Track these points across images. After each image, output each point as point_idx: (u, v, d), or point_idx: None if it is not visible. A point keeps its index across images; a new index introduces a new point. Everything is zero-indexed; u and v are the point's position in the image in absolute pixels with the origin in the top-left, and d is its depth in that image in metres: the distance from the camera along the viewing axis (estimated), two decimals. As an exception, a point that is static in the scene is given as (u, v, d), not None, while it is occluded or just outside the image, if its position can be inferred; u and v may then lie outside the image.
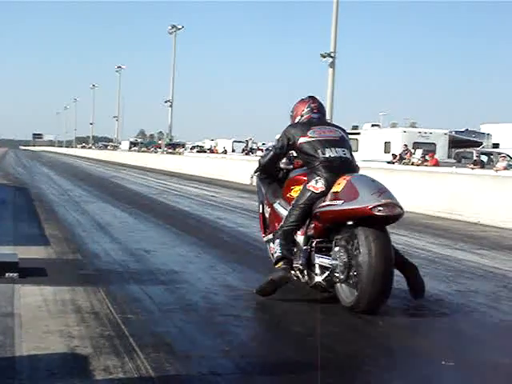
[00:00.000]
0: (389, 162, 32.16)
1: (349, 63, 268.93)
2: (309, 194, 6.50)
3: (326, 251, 6.33)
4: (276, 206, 7.31)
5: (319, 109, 7.19)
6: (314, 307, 6.26)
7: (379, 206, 5.91)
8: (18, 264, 7.06)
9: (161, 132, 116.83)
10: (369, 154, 35.64)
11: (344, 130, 7.21)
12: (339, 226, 6.24)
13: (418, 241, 11.83)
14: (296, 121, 7.14)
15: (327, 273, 6.22)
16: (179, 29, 73.82)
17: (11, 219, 12.27)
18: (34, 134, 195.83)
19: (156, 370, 4.32)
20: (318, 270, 6.34)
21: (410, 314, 6.40)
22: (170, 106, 74.16)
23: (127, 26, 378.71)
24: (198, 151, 67.11)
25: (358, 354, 5.03)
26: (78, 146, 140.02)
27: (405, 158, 33.29)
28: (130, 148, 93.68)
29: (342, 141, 6.92)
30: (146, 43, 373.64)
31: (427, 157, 32.04)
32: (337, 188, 6.29)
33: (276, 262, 6.46)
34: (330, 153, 6.64)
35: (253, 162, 33.36)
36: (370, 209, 5.90)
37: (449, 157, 37.73)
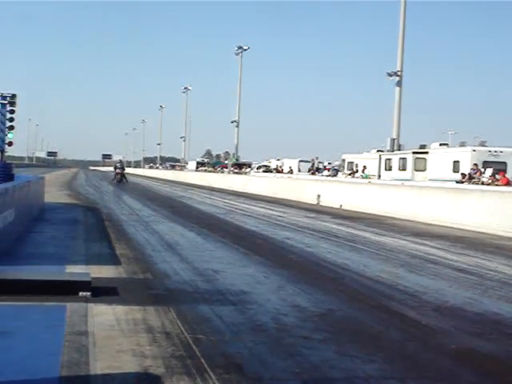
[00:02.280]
0: (458, 182, 31.57)
1: (415, 80, 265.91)
2: None
3: None
4: None
5: None
6: (386, 329, 6.18)
7: None
8: (91, 283, 7.20)
9: (227, 152, 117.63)
10: (437, 174, 35.12)
11: None
12: None
13: (490, 262, 11.54)
14: None
15: None
16: (245, 50, 74.57)
17: (83, 239, 12.51)
18: (103, 155, 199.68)
19: (228, 392, 4.33)
20: None
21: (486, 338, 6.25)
22: (237, 125, 74.81)
23: (193, 47, 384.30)
24: (263, 171, 67.23)
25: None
26: (146, 166, 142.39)
27: (474, 178, 32.65)
28: (197, 168, 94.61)
29: None
30: (212, 64, 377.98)
31: (498, 176, 31.34)
32: None
33: None
34: None
35: (319, 182, 33.38)
36: None
37: (521, 176, 36.86)
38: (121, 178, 47.89)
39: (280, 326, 6.21)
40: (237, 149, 76.55)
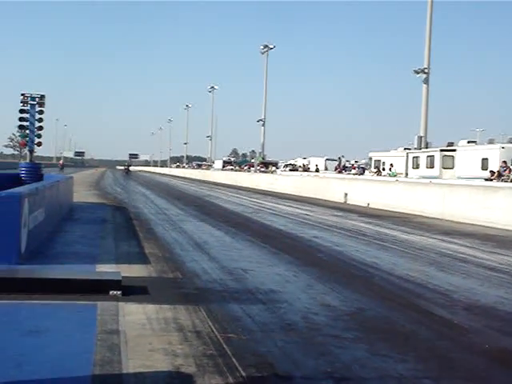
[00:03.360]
0: (486, 179, 31.31)
1: (443, 77, 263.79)
2: None
3: None
4: None
5: None
6: (418, 331, 6.14)
7: None
8: (121, 282, 7.24)
9: (253, 151, 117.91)
10: (465, 171, 34.88)
11: None
12: None
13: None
14: None
15: None
16: (271, 48, 74.52)
17: (112, 238, 12.58)
18: (130, 154, 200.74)
19: (260, 391, 4.32)
20: None
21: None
22: (263, 124, 74.78)
23: (219, 46, 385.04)
24: (290, 169, 67.21)
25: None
26: (173, 165, 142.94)
27: (503, 175, 32.34)
28: (224, 167, 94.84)
29: None
30: (238, 63, 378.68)
31: (527, 173, 31.04)
32: None
33: None
34: None
35: (346, 180, 33.27)
36: None
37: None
38: (127, 171, 79.22)
39: (310, 325, 6.20)
40: (263, 148, 76.53)
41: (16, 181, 18.26)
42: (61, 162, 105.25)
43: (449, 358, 5.38)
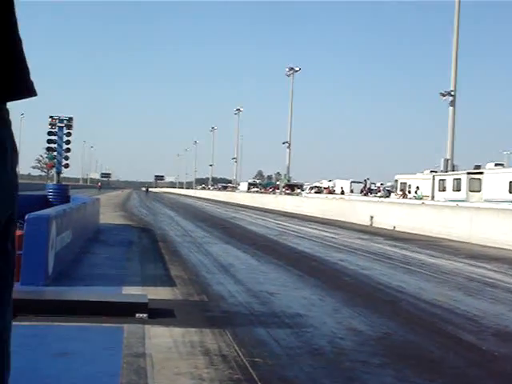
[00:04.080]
0: (514, 203, 31.01)
1: (469, 99, 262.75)
2: None
3: None
4: None
5: None
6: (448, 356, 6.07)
7: None
8: (148, 305, 7.25)
9: (278, 173, 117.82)
10: (492, 194, 34.59)
11: None
12: None
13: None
14: None
15: None
16: (297, 71, 74.89)
17: (138, 260, 12.63)
18: (155, 176, 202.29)
19: (286, 416, 4.29)
20: None
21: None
22: (288, 147, 74.95)
23: (244, 68, 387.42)
24: (315, 192, 67.16)
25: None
26: (198, 187, 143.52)
27: (531, 198, 32.02)
28: (249, 189, 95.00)
29: None
30: (264, 84, 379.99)
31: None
32: None
33: None
34: None
35: (372, 203, 33.13)
36: None
37: None
38: (147, 191, 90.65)
39: (337, 350, 6.16)
40: (288, 170, 76.66)
41: (43, 202, 18.44)
42: (99, 183, 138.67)
43: (478, 385, 5.31)
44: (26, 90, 1.73)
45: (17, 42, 1.69)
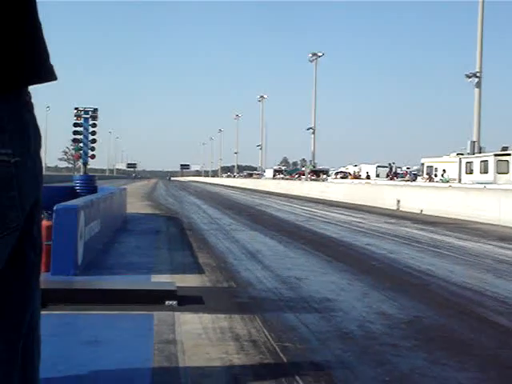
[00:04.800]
0: (543, 183, 30.66)
1: (495, 80, 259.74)
2: None
3: None
4: None
5: None
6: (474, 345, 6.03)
7: None
8: (177, 292, 7.29)
9: (304, 159, 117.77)
10: (521, 176, 34.23)
11: None
12: None
13: None
14: None
15: None
16: (320, 56, 74.52)
17: (166, 248, 12.69)
18: (181, 165, 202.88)
19: (318, 400, 4.29)
20: None
21: None
22: (313, 132, 74.72)
23: (268, 55, 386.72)
24: (341, 177, 66.93)
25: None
26: (224, 175, 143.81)
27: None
28: (274, 176, 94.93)
29: None
30: (288, 71, 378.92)
31: None
32: None
33: None
34: None
35: (398, 187, 32.95)
36: None
37: None
38: (169, 179, 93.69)
39: (367, 334, 6.14)
40: (313, 156, 76.44)
41: (71, 193, 18.57)
42: (134, 174, 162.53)
43: (511, 367, 5.27)
44: (46, 73, 1.73)
45: (37, 26, 1.69)
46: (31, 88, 1.71)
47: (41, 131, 1.76)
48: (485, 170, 38.27)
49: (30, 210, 1.73)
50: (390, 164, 67.01)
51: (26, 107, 1.69)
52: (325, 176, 75.33)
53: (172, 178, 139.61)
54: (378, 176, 62.00)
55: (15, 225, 1.66)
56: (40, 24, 1.69)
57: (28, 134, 1.68)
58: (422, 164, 52.22)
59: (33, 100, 1.74)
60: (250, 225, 18.93)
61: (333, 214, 24.80)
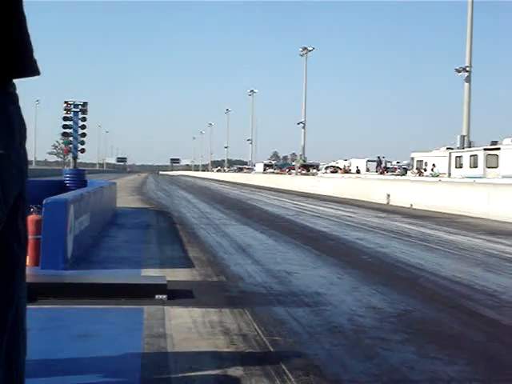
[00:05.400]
0: (532, 178, 30.76)
1: (485, 74, 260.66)
2: None
3: None
4: None
5: None
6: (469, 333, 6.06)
7: None
8: (167, 286, 7.29)
9: (294, 153, 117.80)
10: (510, 170, 34.32)
11: None
12: None
13: None
14: None
15: None
16: (310, 50, 74.50)
17: (156, 243, 12.68)
18: (171, 159, 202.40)
19: (308, 394, 4.30)
20: None
21: None
22: (303, 127, 74.75)
23: (258, 49, 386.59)
24: (331, 171, 66.99)
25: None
26: (214, 169, 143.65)
27: (549, 173, 31.77)
28: (265, 170, 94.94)
29: None
30: (277, 65, 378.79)
31: None
32: None
33: None
34: None
35: (388, 182, 33.00)
36: None
37: None
38: (158, 174, 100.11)
39: (357, 328, 6.16)
40: (304, 150, 76.54)
41: (61, 187, 18.52)
42: (128, 169, 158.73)
43: (499, 360, 5.30)
44: (31, 68, 1.71)
45: (21, 19, 1.68)
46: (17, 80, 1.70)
47: (28, 124, 1.75)
48: (474, 165, 38.39)
49: (15, 202, 1.72)
50: (378, 157, 66.94)
51: (11, 99, 1.68)
52: (315, 170, 75.34)
53: (161, 173, 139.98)
54: (368, 170, 62.01)
55: None
56: (25, 19, 1.68)
57: (13, 127, 1.66)
58: (412, 158, 52.29)
59: (18, 91, 1.73)
60: (240, 219, 18.93)
61: (323, 208, 24.84)
